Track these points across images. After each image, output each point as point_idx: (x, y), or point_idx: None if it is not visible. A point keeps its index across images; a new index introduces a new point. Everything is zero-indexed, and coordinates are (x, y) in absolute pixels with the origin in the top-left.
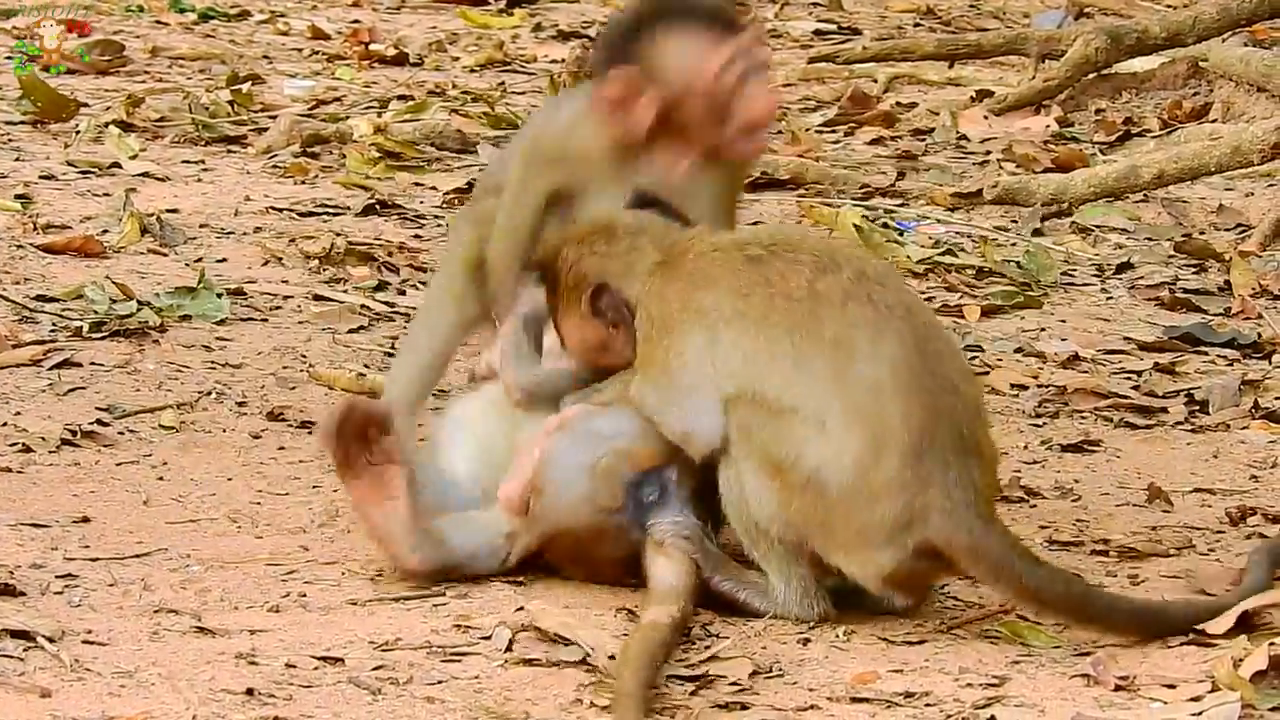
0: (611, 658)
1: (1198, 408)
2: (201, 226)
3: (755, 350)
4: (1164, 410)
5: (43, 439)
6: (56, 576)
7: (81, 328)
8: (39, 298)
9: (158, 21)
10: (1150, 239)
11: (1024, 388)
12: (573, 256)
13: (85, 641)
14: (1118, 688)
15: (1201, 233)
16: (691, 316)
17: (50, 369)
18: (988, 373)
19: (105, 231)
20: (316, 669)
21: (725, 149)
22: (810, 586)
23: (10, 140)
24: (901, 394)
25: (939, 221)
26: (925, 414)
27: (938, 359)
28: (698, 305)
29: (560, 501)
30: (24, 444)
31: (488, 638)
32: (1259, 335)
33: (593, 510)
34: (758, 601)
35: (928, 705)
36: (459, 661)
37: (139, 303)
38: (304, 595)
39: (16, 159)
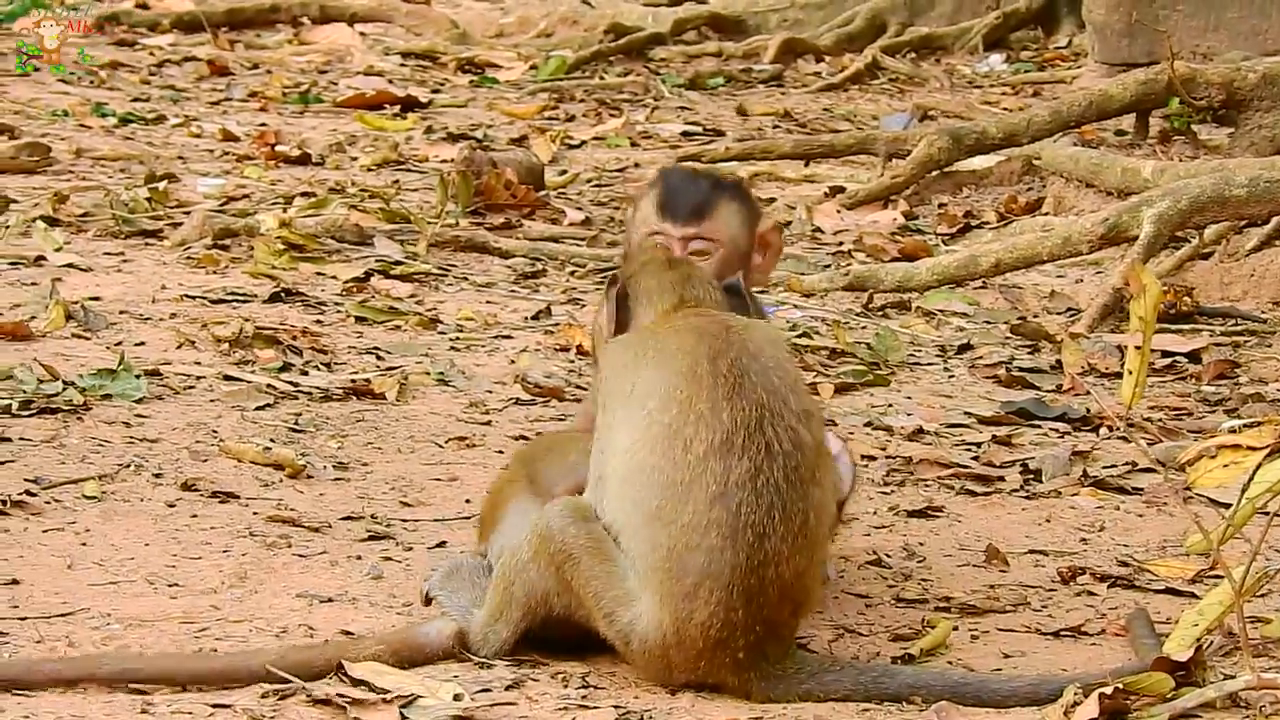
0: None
1: (1032, 476)
2: (121, 313)
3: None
4: (1001, 479)
5: None
6: None
7: (10, 406)
8: None
9: (81, 125)
10: (988, 322)
11: (873, 458)
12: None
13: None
14: None
15: (1035, 316)
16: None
17: None
18: None
19: (33, 318)
20: (210, 715)
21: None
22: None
23: None
24: (717, 591)
25: (796, 307)
26: (728, 614)
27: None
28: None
29: None
30: None
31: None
32: (1087, 410)
33: None
34: (459, 617)
35: None
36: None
37: (64, 383)
38: (214, 650)
39: None
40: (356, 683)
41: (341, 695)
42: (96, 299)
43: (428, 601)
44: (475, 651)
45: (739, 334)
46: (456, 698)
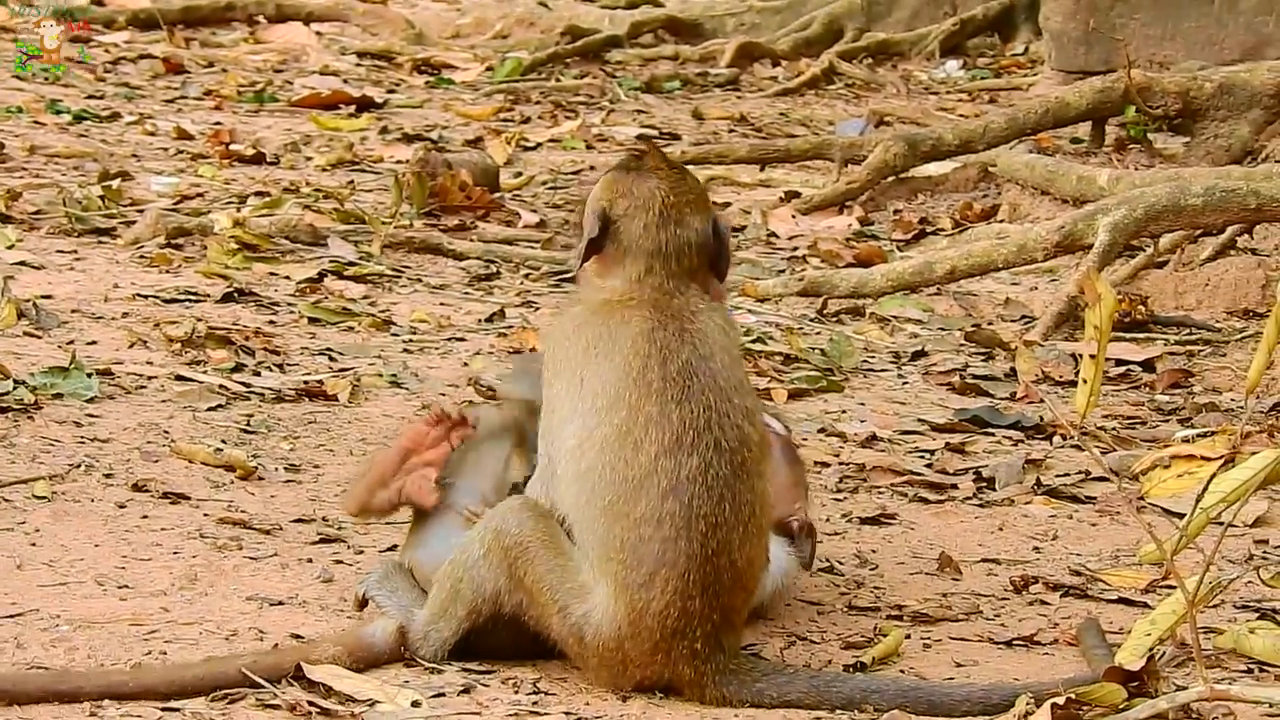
0: None
1: (985, 484)
2: (73, 311)
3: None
4: (954, 486)
5: None
6: None
7: None
8: None
9: (35, 122)
10: (943, 329)
11: (826, 465)
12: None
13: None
14: None
15: (990, 324)
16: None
17: None
18: None
19: None
20: (158, 719)
21: None
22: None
23: None
24: (673, 580)
25: (750, 312)
26: (685, 603)
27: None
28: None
29: None
30: None
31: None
32: (1041, 418)
33: None
34: (399, 616)
35: None
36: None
37: (15, 381)
38: (164, 653)
39: None
40: (313, 685)
41: (295, 700)
42: (48, 297)
43: (363, 604)
44: (415, 651)
45: (692, 333)
46: (415, 704)
